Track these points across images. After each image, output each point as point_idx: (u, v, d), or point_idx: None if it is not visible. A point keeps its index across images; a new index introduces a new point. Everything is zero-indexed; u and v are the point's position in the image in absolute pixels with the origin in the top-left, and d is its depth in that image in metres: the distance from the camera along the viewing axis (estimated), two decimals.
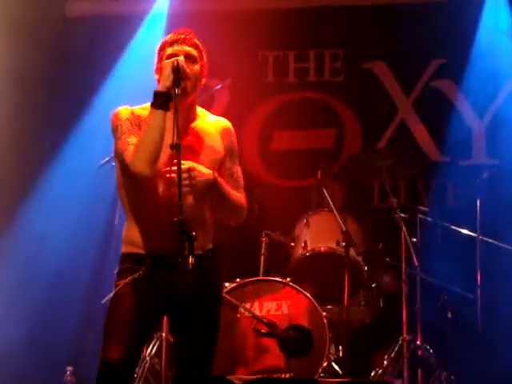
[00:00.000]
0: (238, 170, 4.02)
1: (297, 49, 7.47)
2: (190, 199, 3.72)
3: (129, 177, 3.71)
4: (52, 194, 6.72)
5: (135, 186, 3.75)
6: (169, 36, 3.89)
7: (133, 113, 3.80)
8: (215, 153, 3.89)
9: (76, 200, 6.67)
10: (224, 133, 3.97)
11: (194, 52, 3.86)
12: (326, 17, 7.26)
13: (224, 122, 4.01)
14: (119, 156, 3.71)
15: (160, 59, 3.86)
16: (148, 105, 3.83)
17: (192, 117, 3.90)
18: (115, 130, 3.77)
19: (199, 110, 3.97)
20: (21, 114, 6.77)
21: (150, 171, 3.64)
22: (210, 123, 3.95)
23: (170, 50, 3.84)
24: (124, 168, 3.69)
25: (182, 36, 3.86)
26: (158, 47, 3.91)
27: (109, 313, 3.73)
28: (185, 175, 3.57)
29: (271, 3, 7.39)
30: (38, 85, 6.88)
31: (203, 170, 3.70)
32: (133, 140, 3.68)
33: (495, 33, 6.99)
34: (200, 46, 3.90)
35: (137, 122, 3.76)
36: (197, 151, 3.81)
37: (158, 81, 3.81)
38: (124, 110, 3.81)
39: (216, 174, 3.76)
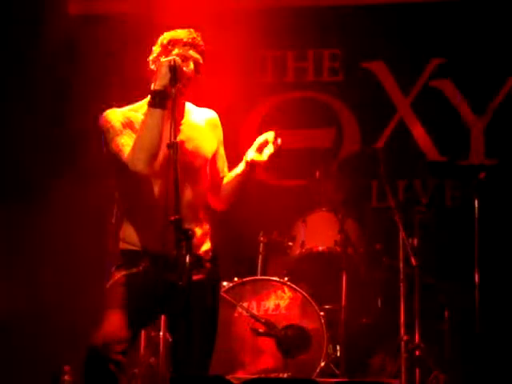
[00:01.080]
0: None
1: (295, 48, 7.46)
2: (187, 198, 3.73)
3: (126, 177, 3.71)
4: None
5: (131, 186, 3.75)
6: (183, 34, 3.83)
7: (122, 114, 3.79)
8: (208, 145, 3.91)
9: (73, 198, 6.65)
10: (213, 124, 3.99)
11: (201, 61, 3.85)
12: (325, 16, 7.24)
13: (211, 113, 4.03)
14: (115, 157, 3.70)
15: (167, 52, 3.80)
16: (136, 105, 3.83)
17: (182, 112, 3.90)
18: (106, 132, 3.74)
19: (186, 104, 3.97)
20: (22, 112, 6.79)
21: (149, 170, 3.64)
22: (198, 116, 3.96)
23: (181, 51, 3.79)
24: (121, 168, 3.68)
25: (196, 41, 3.83)
26: (166, 38, 3.84)
27: (103, 303, 3.73)
28: None
29: (270, 2, 7.39)
30: (40, 83, 6.88)
31: None
32: (126, 140, 3.67)
33: (495, 31, 6.98)
34: (205, 53, 3.89)
35: (127, 122, 3.75)
36: (190, 145, 3.82)
37: (153, 72, 3.80)
38: (113, 112, 3.80)
39: None
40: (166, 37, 3.86)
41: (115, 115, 3.78)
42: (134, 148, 3.62)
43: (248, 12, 7.23)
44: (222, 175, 4.03)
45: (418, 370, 5.74)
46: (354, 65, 7.34)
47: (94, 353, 3.57)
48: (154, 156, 3.63)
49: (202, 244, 3.84)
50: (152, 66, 3.85)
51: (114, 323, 3.61)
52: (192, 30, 3.88)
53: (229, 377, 5.39)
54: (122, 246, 3.82)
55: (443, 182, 7.02)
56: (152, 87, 3.71)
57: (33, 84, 6.87)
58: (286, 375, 5.50)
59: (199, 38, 3.85)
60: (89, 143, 6.42)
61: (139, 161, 3.61)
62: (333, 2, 7.39)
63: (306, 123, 7.33)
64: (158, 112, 3.63)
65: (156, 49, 3.87)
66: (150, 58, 3.87)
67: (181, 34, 3.84)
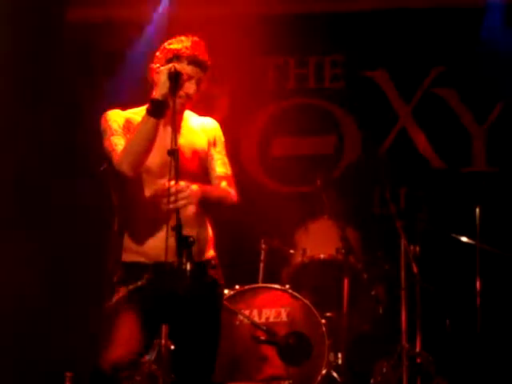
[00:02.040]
0: (226, 159, 3.99)
1: (297, 55, 7.47)
2: (188, 206, 3.71)
3: (117, 179, 3.72)
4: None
5: (129, 193, 3.75)
6: (189, 49, 3.78)
7: (122, 116, 3.80)
8: (202, 148, 3.88)
9: (73, 204, 6.66)
10: (205, 125, 3.97)
11: (204, 79, 3.83)
12: (326, 23, 7.24)
13: (207, 119, 4.01)
14: (107, 156, 3.72)
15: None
16: (139, 109, 3.82)
17: (181, 118, 3.89)
18: (103, 131, 3.78)
19: (186, 112, 3.96)
20: (19, 116, 6.79)
21: (134, 174, 3.65)
22: (193, 120, 3.95)
23: (186, 68, 3.76)
24: (111, 168, 3.71)
25: (202, 58, 3.80)
26: (171, 51, 3.80)
27: (107, 320, 3.72)
28: (172, 198, 3.50)
29: (271, 9, 7.38)
30: (38, 88, 6.88)
31: (188, 191, 3.59)
32: (120, 141, 3.69)
33: (496, 39, 6.98)
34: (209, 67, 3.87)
35: (125, 124, 3.76)
36: (188, 150, 3.82)
37: (155, 82, 3.79)
38: (113, 113, 3.81)
39: (200, 189, 3.68)
40: (171, 48, 3.82)
41: (114, 116, 3.80)
42: (123, 149, 3.64)
43: (249, 18, 7.23)
44: (213, 174, 3.95)
45: (419, 378, 5.73)
46: (356, 72, 7.34)
47: (101, 378, 3.55)
48: (140, 161, 3.65)
49: (205, 251, 3.83)
50: (155, 77, 3.81)
51: (123, 346, 3.59)
52: (197, 40, 3.84)
53: None
54: (124, 256, 3.81)
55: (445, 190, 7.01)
56: (152, 95, 3.69)
57: (31, 90, 6.89)
58: (287, 383, 5.49)
59: (204, 52, 3.82)
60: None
61: (125, 163, 3.63)
62: (334, 9, 7.38)
63: (307, 130, 7.32)
64: (152, 120, 3.62)
65: (160, 57, 3.83)
66: (154, 65, 3.84)
67: (186, 48, 3.78)
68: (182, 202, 3.48)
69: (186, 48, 3.78)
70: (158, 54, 3.86)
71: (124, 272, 3.78)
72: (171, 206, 3.45)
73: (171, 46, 3.81)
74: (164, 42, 3.91)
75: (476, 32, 6.94)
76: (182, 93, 3.72)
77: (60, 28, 7.17)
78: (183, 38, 3.84)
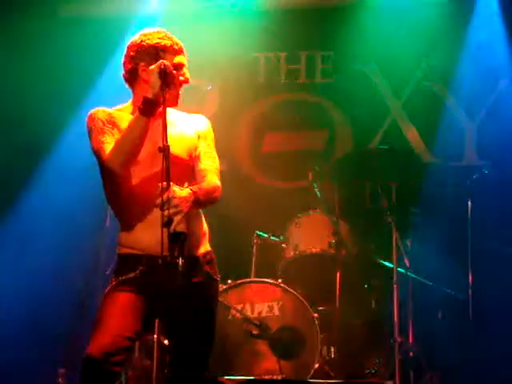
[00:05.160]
0: (214, 153, 3.98)
1: (288, 50, 7.47)
2: None
3: (108, 175, 3.73)
4: (43, 195, 6.72)
5: (120, 186, 3.76)
6: (166, 40, 3.82)
7: (106, 112, 3.82)
8: (189, 139, 3.89)
9: (68, 201, 6.66)
10: (196, 121, 3.98)
11: (185, 61, 3.88)
12: (317, 18, 7.26)
13: (198, 116, 4.02)
14: (95, 154, 3.73)
15: (158, 60, 3.74)
16: (123, 106, 3.83)
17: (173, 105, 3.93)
18: (90, 130, 3.80)
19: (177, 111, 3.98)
20: (12, 114, 6.80)
21: (124, 171, 3.67)
22: (184, 117, 3.97)
23: (178, 58, 3.81)
24: (100, 165, 3.72)
25: (181, 45, 3.86)
26: (152, 45, 3.80)
27: (100, 309, 3.72)
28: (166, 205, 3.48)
29: (263, 5, 7.38)
30: (29, 84, 6.89)
31: (181, 195, 3.58)
32: (106, 139, 3.70)
33: (486, 33, 6.99)
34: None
35: (110, 120, 3.78)
36: (180, 145, 3.82)
37: (144, 80, 3.80)
38: (97, 111, 3.83)
39: (193, 192, 3.67)
40: (150, 44, 3.82)
41: (99, 114, 3.82)
42: (114, 148, 3.65)
43: (241, 14, 7.24)
44: (200, 166, 3.92)
45: (412, 372, 5.74)
46: (347, 66, 7.34)
47: (92, 364, 3.54)
48: (131, 160, 3.66)
49: (199, 245, 3.83)
50: (145, 75, 3.81)
51: (113, 333, 3.58)
52: (163, 30, 3.87)
53: (222, 379, 5.42)
54: (119, 249, 3.82)
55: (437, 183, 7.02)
56: (145, 94, 3.69)
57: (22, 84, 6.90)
58: (280, 377, 5.49)
59: (177, 40, 3.87)
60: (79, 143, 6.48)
61: (116, 162, 3.64)
62: (325, 4, 7.39)
63: (298, 125, 7.33)
64: (144, 119, 3.64)
65: (139, 56, 3.82)
66: (128, 63, 3.86)
67: (164, 40, 3.82)
68: (171, 211, 3.46)
69: (164, 39, 3.82)
70: (131, 53, 3.84)
71: (118, 264, 3.79)
72: (165, 218, 3.43)
73: (149, 42, 3.81)
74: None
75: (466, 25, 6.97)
76: (177, 81, 3.77)
77: None
78: (149, 31, 3.87)
